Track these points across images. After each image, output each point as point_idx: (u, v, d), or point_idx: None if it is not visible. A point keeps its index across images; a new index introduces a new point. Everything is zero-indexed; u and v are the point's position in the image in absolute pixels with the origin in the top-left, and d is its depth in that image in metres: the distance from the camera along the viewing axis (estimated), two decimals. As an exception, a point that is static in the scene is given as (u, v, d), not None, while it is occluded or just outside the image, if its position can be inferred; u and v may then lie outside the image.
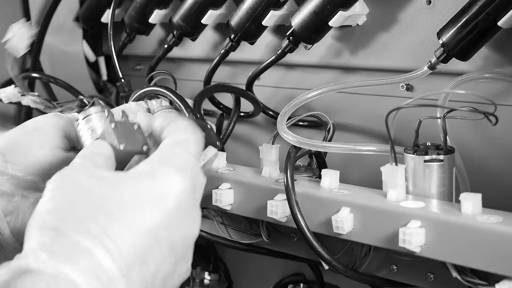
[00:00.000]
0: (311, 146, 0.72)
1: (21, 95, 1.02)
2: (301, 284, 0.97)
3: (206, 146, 0.66)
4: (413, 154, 0.66)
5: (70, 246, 0.48)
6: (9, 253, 0.64)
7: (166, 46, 0.97)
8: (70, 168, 0.55)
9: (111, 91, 1.17)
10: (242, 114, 0.91)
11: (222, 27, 0.97)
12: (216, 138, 0.68)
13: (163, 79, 0.79)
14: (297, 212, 0.67)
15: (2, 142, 0.66)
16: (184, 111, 0.71)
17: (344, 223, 0.65)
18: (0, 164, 0.64)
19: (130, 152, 0.60)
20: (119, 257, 0.49)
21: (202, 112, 0.75)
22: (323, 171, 0.70)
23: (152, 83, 0.78)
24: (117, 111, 0.64)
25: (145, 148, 0.60)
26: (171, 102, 0.74)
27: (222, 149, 0.71)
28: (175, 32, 0.95)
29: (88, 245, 0.48)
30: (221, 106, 0.93)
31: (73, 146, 0.67)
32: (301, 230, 0.67)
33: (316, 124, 0.89)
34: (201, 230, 0.84)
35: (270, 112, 0.91)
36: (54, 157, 0.65)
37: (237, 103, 0.88)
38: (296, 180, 0.71)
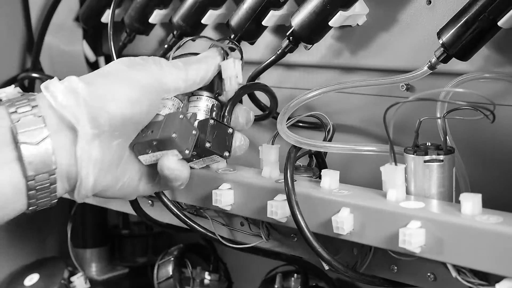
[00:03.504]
0: (311, 146, 0.72)
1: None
2: (295, 275, 0.98)
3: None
4: (413, 154, 0.66)
5: None
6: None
7: (166, 46, 0.96)
8: None
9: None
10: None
11: (222, 27, 0.97)
12: (228, 147, 0.71)
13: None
14: (297, 213, 0.67)
15: (101, 86, 0.67)
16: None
17: (344, 223, 0.65)
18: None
19: (209, 150, 0.69)
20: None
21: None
22: (323, 172, 0.70)
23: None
24: None
25: (226, 154, 0.71)
26: None
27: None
28: (175, 32, 0.95)
29: None
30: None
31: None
32: (302, 230, 0.67)
33: (316, 125, 0.89)
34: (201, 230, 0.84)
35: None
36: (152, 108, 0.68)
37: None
38: (296, 180, 0.71)
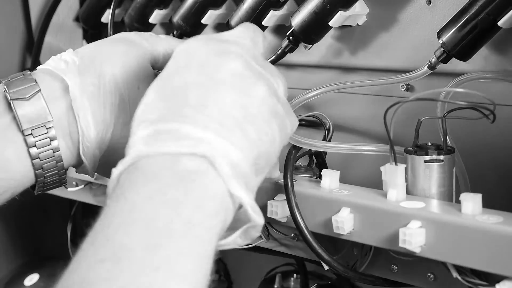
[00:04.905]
0: (311, 146, 0.72)
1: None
2: (294, 275, 0.98)
3: None
4: (413, 154, 0.66)
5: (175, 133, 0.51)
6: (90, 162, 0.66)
7: (166, 46, 0.96)
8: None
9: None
10: None
11: (222, 27, 0.97)
12: None
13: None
14: (297, 213, 0.67)
15: (88, 49, 0.68)
16: None
17: (345, 223, 0.65)
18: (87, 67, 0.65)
19: None
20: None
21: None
22: (323, 172, 0.70)
23: None
24: None
25: None
26: None
27: None
28: (175, 32, 0.95)
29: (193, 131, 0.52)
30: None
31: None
32: (301, 231, 0.67)
33: (315, 124, 0.89)
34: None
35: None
36: (138, 68, 0.67)
37: None
38: (296, 180, 0.71)
